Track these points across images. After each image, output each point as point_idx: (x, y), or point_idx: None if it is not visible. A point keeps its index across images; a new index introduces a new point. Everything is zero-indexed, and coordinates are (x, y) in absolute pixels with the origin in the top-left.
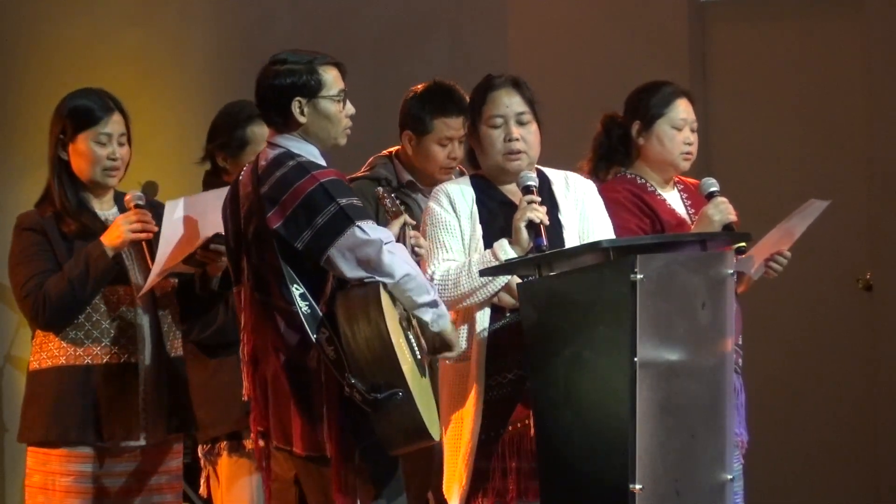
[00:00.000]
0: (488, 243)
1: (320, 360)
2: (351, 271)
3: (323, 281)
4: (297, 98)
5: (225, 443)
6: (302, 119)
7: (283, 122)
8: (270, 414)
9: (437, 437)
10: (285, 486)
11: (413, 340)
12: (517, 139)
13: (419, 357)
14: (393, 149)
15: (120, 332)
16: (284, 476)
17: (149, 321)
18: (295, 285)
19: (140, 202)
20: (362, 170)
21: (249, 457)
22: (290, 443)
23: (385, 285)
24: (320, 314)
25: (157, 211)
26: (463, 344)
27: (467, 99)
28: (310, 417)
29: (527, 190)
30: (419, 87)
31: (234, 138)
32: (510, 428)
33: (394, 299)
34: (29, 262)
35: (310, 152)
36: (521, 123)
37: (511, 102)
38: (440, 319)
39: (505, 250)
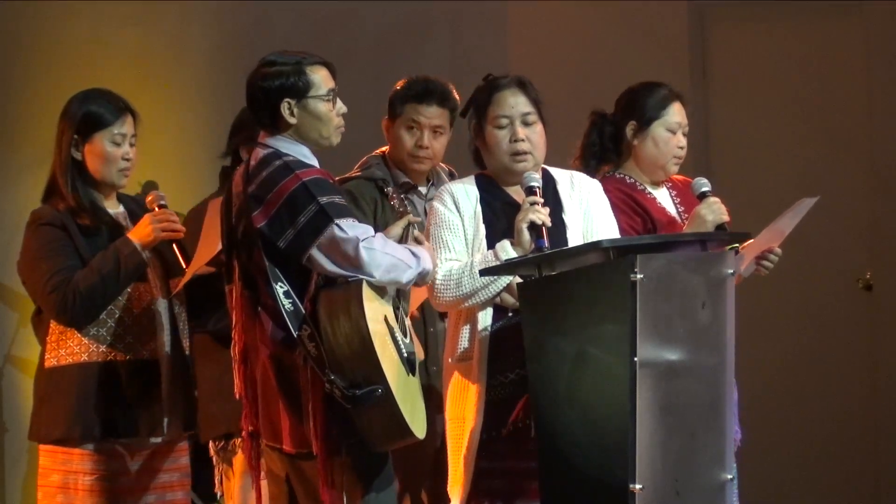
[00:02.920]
0: (491, 243)
1: (306, 358)
2: (332, 269)
3: (307, 279)
4: (286, 99)
5: (240, 439)
6: (292, 120)
7: (274, 124)
8: (260, 412)
9: (420, 435)
10: (278, 484)
11: (401, 339)
12: (523, 140)
13: (406, 355)
14: (385, 148)
15: (141, 328)
16: (278, 473)
17: (169, 318)
18: (279, 283)
19: (163, 202)
20: (355, 169)
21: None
22: (280, 440)
23: (369, 282)
24: (303, 311)
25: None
26: (465, 344)
27: (456, 97)
28: (297, 415)
29: (530, 191)
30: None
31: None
32: (511, 428)
33: (380, 293)
34: (52, 257)
35: (300, 152)
36: (526, 124)
37: (517, 103)
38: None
39: (506, 251)
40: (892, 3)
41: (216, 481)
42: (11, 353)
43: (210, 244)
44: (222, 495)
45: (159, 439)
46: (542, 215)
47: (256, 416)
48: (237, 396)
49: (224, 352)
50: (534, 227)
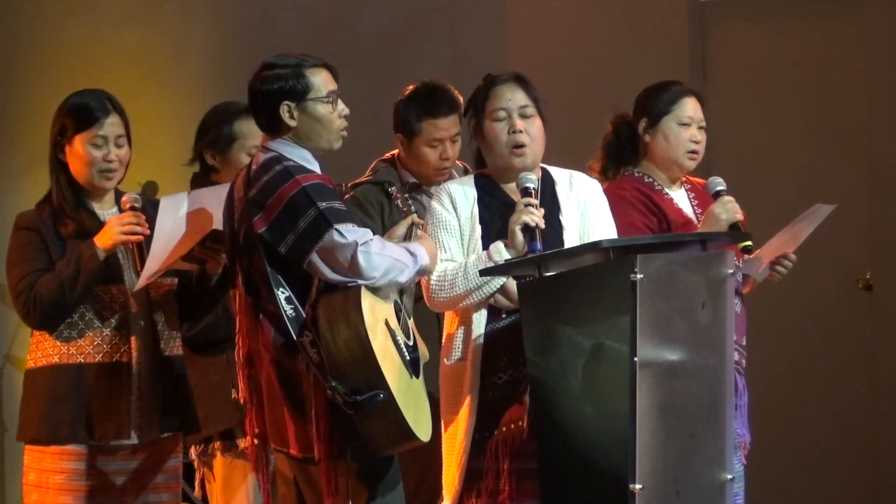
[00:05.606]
0: (487, 244)
1: (308, 363)
2: (332, 274)
3: (309, 284)
4: (286, 102)
5: (219, 443)
6: (292, 123)
7: (275, 127)
8: (267, 416)
9: (424, 438)
10: (287, 485)
11: (403, 341)
12: (521, 131)
13: (409, 358)
14: (395, 152)
15: (113, 331)
16: (286, 474)
17: (143, 321)
18: (281, 289)
19: (136, 204)
20: (366, 174)
21: (244, 456)
22: (287, 445)
23: (368, 286)
24: (304, 317)
25: (156, 211)
26: (459, 345)
27: (459, 97)
28: (302, 419)
29: (525, 192)
30: (408, 88)
31: (222, 134)
32: (504, 429)
33: (380, 296)
34: (23, 262)
35: (301, 156)
36: (524, 117)
37: (514, 97)
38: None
39: (500, 252)
40: (893, 2)
41: (196, 485)
42: (11, 353)
43: (167, 245)
44: (203, 499)
45: (130, 442)
46: (535, 217)
47: (263, 419)
48: (241, 401)
49: (198, 358)
50: (527, 229)
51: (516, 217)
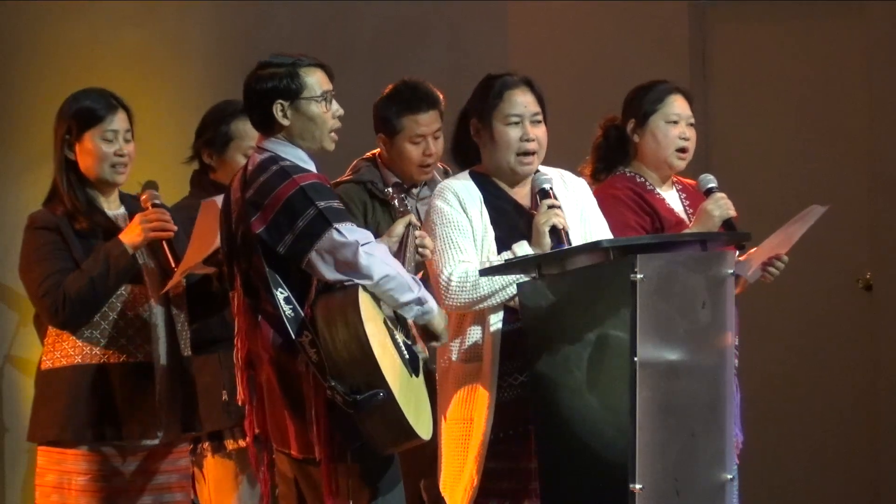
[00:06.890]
0: (500, 246)
1: (308, 364)
2: (330, 274)
3: (308, 284)
4: (279, 101)
5: (208, 443)
6: (285, 122)
7: (268, 126)
8: (268, 417)
9: (426, 437)
10: (287, 484)
11: (401, 340)
12: (533, 140)
13: (408, 356)
14: (375, 151)
15: (135, 331)
16: (286, 474)
17: (164, 320)
18: (279, 289)
19: (157, 201)
20: (347, 173)
21: (233, 458)
22: (288, 445)
23: (365, 287)
24: (303, 317)
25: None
26: (473, 345)
27: (438, 94)
28: (301, 420)
29: (544, 193)
30: (387, 88)
31: (219, 134)
32: (521, 429)
33: (378, 300)
34: (45, 261)
35: (296, 155)
36: (535, 123)
37: (527, 102)
38: (424, 315)
39: (526, 252)
40: (894, 3)
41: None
42: (11, 353)
43: (201, 245)
44: (195, 499)
45: (154, 441)
46: (562, 219)
47: (263, 420)
48: (239, 402)
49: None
50: (554, 231)
51: (544, 219)
